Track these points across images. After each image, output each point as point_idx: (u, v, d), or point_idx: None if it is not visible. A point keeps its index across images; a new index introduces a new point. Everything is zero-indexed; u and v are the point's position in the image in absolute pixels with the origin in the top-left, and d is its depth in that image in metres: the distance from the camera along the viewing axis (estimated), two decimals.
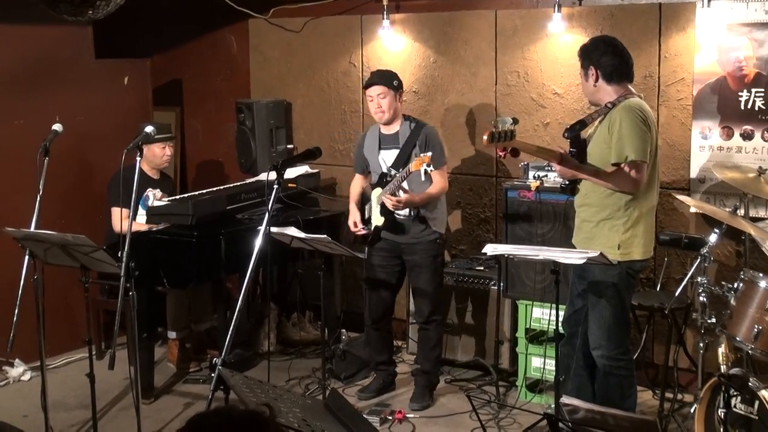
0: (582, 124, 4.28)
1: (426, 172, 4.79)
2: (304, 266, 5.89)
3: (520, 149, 4.18)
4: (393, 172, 5.20)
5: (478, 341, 5.76)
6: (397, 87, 5.21)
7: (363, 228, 5.37)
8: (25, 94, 6.11)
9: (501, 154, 4.15)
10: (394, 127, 5.29)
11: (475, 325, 5.77)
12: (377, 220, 5.31)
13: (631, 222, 4.30)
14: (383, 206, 5.21)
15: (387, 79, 5.21)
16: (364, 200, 5.50)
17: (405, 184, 5.03)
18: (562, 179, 4.53)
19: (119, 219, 5.72)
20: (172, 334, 6.00)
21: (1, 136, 6.01)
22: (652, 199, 4.40)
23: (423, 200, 5.15)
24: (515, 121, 4.08)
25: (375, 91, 5.20)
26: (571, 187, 4.50)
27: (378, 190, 5.29)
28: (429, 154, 4.84)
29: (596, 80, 4.35)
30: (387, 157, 5.30)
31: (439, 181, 5.18)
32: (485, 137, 3.97)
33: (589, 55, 4.38)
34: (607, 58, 4.32)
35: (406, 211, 5.20)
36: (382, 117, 5.23)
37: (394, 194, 5.05)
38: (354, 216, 5.43)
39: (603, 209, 4.34)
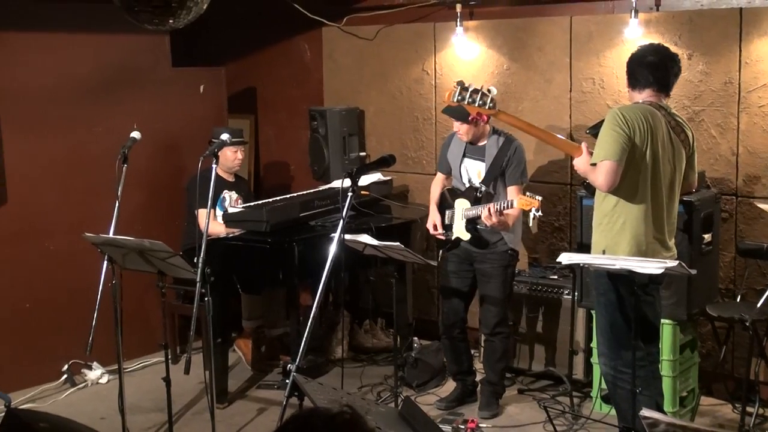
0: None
1: (534, 217, 4.75)
2: (376, 273, 5.89)
3: (521, 129, 4.55)
4: (484, 188, 5.17)
5: (550, 351, 5.71)
6: (472, 121, 5.05)
7: (442, 234, 5.36)
8: (104, 102, 6.22)
9: (473, 116, 4.63)
10: (482, 141, 5.25)
11: (548, 334, 5.71)
12: (461, 233, 5.26)
13: (617, 227, 4.33)
14: (470, 221, 5.18)
15: (461, 114, 5.04)
16: (442, 201, 5.48)
17: (498, 205, 4.98)
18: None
19: (204, 219, 5.77)
20: (246, 323, 6.04)
21: (81, 142, 6.13)
22: (643, 207, 4.29)
23: (512, 222, 5.15)
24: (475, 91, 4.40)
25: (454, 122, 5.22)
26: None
27: (464, 202, 5.25)
28: (539, 198, 4.77)
29: (627, 86, 4.48)
30: (470, 167, 5.27)
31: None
32: (447, 95, 4.45)
33: (627, 63, 4.49)
34: (633, 66, 4.43)
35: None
36: (463, 139, 5.21)
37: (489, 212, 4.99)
38: (434, 218, 5.42)
39: (597, 214, 4.44)
